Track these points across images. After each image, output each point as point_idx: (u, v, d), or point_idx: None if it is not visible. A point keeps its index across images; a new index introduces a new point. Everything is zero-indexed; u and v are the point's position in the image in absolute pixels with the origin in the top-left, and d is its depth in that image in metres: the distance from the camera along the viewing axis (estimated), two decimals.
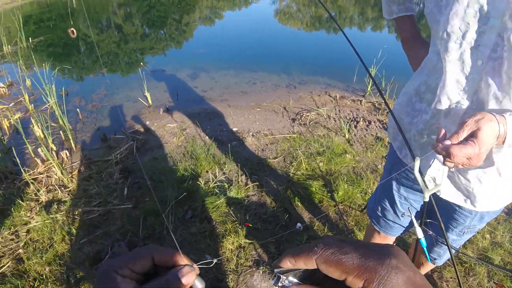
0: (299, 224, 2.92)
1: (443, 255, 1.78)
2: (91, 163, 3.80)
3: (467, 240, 2.94)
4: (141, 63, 6.86)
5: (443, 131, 1.00)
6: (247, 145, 4.02)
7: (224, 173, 3.46)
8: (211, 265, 0.55)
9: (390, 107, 1.35)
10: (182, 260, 0.49)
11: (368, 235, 2.10)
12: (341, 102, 5.18)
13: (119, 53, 8.28)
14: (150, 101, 5.10)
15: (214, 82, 5.93)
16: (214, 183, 3.25)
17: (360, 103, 5.14)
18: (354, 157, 3.83)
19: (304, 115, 4.70)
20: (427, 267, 2.08)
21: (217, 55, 7.54)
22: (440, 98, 1.20)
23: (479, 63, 1.08)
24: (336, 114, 4.76)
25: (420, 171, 1.32)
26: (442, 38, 1.14)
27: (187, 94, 5.51)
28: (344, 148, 3.95)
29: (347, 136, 4.21)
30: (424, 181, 1.11)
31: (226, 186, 3.23)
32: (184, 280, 0.47)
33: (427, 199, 1.13)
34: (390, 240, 1.97)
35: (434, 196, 1.47)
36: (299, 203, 3.15)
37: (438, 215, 1.23)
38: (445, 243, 1.60)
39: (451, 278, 2.63)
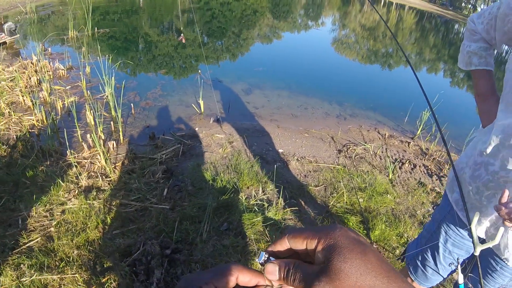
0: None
1: None
2: (135, 158, 3.92)
3: None
4: (199, 71, 7.03)
5: (506, 193, 1.01)
6: (290, 168, 4.06)
7: (264, 193, 3.50)
8: None
9: (451, 157, 1.37)
10: (264, 281, 0.51)
11: None
12: (389, 141, 5.15)
13: (175, 57, 8.52)
14: (202, 109, 5.23)
15: (267, 101, 6.03)
16: (255, 200, 3.31)
17: (408, 145, 5.10)
18: (394, 198, 3.81)
19: (350, 148, 4.70)
20: None
21: (273, 74, 7.65)
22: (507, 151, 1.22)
23: None
24: (382, 152, 4.74)
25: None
26: None
27: (239, 108, 5.62)
28: (386, 188, 3.92)
29: (390, 176, 4.19)
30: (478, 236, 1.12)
31: (266, 205, 3.27)
32: None
33: (477, 253, 1.14)
34: None
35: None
36: None
37: (480, 271, 1.24)
38: None
39: None
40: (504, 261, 1.42)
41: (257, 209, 3.22)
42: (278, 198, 3.43)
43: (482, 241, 1.43)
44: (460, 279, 1.39)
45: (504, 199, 1.01)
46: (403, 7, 60.34)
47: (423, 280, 1.85)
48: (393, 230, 3.28)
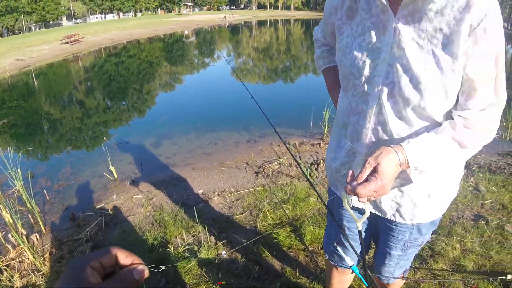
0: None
1: (394, 272, 1.84)
2: (62, 243, 3.80)
3: (437, 254, 3.07)
4: (104, 137, 6.96)
5: (350, 173, 1.15)
6: (213, 205, 4.11)
7: (193, 236, 3.52)
8: (159, 270, 0.70)
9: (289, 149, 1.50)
10: (138, 260, 0.61)
11: (327, 273, 2.20)
12: (300, 148, 5.36)
13: (83, 129, 8.39)
14: (115, 175, 5.17)
15: (177, 148, 6.08)
16: (183, 247, 3.31)
17: (319, 146, 5.34)
18: (317, 199, 3.96)
19: (266, 167, 4.84)
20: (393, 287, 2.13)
21: (178, 121, 7.75)
22: (351, 127, 1.43)
23: (375, 90, 1.30)
24: (294, 162, 4.92)
25: (349, 203, 1.48)
26: (347, 77, 1.40)
27: (152, 163, 5.61)
28: (307, 192, 4.07)
29: (310, 179, 4.35)
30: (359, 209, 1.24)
31: (196, 248, 3.29)
32: (136, 276, 0.58)
33: (360, 228, 1.25)
34: (347, 274, 2.07)
35: (371, 218, 1.63)
36: (268, 253, 3.22)
37: (362, 243, 1.36)
38: (392, 261, 1.72)
39: None
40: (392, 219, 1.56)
41: (188, 255, 3.22)
42: (207, 237, 3.46)
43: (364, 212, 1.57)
44: (349, 262, 1.52)
45: (348, 178, 1.14)
46: (288, 21, 63.07)
47: (343, 263, 1.94)
48: (323, 228, 3.41)
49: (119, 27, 44.55)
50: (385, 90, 1.28)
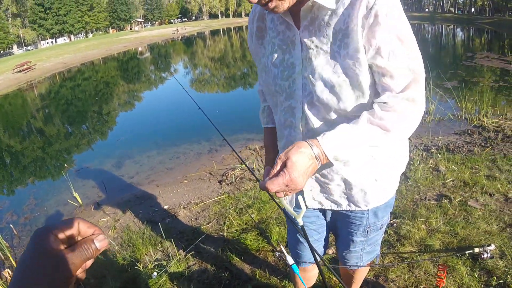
0: None
1: (361, 257, 1.87)
2: None
3: (403, 237, 3.17)
4: (66, 164, 6.86)
5: (266, 170, 1.22)
6: (180, 219, 4.14)
7: (162, 252, 3.54)
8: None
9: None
10: (99, 231, 0.65)
11: (292, 271, 2.27)
12: (262, 152, 5.44)
13: (44, 157, 8.24)
14: (80, 201, 5.12)
15: (139, 166, 6.06)
16: (153, 264, 3.32)
17: None
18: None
19: (229, 175, 4.90)
20: (359, 274, 2.17)
21: (138, 139, 7.72)
22: (284, 139, 1.52)
23: (298, 103, 1.37)
24: (259, 165, 4.99)
25: (292, 202, 1.56)
26: (274, 95, 1.47)
27: (115, 184, 5.58)
28: (271, 193, 4.13)
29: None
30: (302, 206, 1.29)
31: (165, 263, 3.31)
32: (98, 244, 0.62)
33: (301, 223, 1.30)
34: (309, 271, 2.13)
35: (330, 213, 1.73)
36: (237, 259, 3.27)
37: (306, 238, 1.42)
38: (356, 247, 1.79)
39: (396, 277, 2.82)
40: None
41: (159, 271, 3.24)
42: (177, 251, 3.48)
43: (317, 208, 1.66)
44: (290, 260, 1.59)
45: (264, 175, 1.21)
46: (241, 28, 63.24)
47: (303, 260, 2.01)
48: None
49: (71, 50, 43.80)
50: (306, 101, 1.34)
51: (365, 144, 1.19)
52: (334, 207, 1.62)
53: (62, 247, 0.59)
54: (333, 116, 1.33)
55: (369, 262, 1.95)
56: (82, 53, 39.29)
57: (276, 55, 1.38)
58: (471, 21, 53.65)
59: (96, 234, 0.64)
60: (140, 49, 42.49)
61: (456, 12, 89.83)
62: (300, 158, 1.10)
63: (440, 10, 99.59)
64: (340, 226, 1.75)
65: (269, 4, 1.16)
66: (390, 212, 1.75)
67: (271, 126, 1.78)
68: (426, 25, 51.91)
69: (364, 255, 1.87)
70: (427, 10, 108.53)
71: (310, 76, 1.29)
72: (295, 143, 1.15)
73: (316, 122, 1.37)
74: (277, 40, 1.37)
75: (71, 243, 0.62)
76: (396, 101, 1.20)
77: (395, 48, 1.17)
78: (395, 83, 1.21)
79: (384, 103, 1.21)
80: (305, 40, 1.27)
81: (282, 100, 1.43)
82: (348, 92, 1.26)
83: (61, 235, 0.60)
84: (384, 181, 1.54)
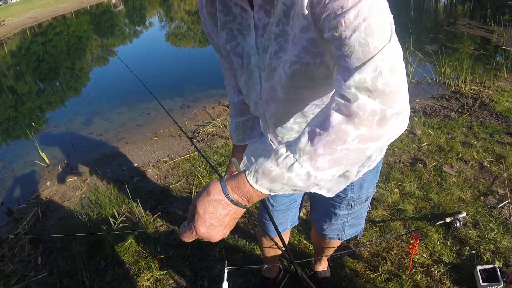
0: None
1: (343, 229, 1.77)
2: (1, 241, 3.63)
3: (375, 200, 3.13)
4: (33, 123, 6.61)
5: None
6: (149, 177, 4.02)
7: (129, 213, 3.44)
8: None
9: None
10: None
11: (259, 240, 2.21)
12: None
13: (15, 116, 7.95)
14: (47, 161, 4.94)
15: (109, 123, 5.87)
16: (117, 226, 3.23)
17: None
18: None
19: (201, 131, 4.76)
20: (335, 244, 2.07)
21: (109, 95, 7.47)
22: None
23: (258, 99, 1.21)
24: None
25: None
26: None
27: (84, 143, 5.40)
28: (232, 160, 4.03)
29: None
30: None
31: (131, 225, 3.22)
32: None
33: None
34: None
35: None
36: None
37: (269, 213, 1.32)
38: (339, 220, 1.70)
39: (367, 241, 2.79)
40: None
41: (126, 233, 3.15)
42: (144, 212, 3.38)
43: None
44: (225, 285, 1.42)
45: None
46: None
47: (269, 231, 1.91)
48: None
49: (42, 4, 41.98)
50: (264, 97, 1.17)
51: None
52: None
53: None
54: (296, 110, 1.16)
55: (352, 236, 1.86)
56: (53, 7, 37.66)
57: (235, 43, 1.15)
58: None
59: None
60: (113, 1, 40.99)
61: None
62: (210, 208, 0.89)
63: None
64: (320, 197, 1.52)
65: None
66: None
67: (241, 144, 1.59)
68: None
69: (346, 228, 1.77)
70: None
71: (267, 68, 1.07)
72: (207, 186, 0.92)
73: (278, 119, 1.20)
74: (236, 24, 1.11)
75: None
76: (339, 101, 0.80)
77: (351, 22, 0.77)
78: (348, 64, 0.80)
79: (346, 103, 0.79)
80: (261, 23, 1.02)
81: (247, 94, 1.27)
82: (309, 83, 1.04)
83: None
84: None
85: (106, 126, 5.80)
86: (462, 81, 5.33)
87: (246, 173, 0.87)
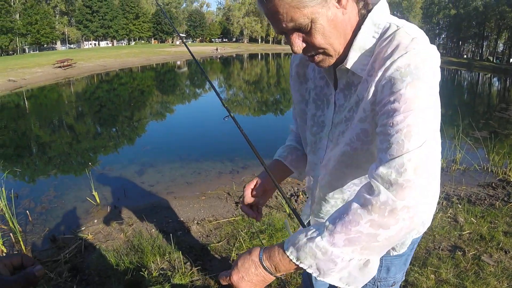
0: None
1: None
2: (41, 264, 3.81)
3: (410, 284, 3.13)
4: (90, 163, 7.02)
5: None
6: (192, 233, 4.18)
7: (168, 262, 3.58)
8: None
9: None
10: (37, 263, 0.87)
11: None
12: (285, 180, 5.45)
13: (70, 153, 8.44)
14: (98, 200, 5.23)
15: (161, 176, 6.16)
16: (157, 272, 3.37)
17: None
18: (294, 229, 4.04)
19: None
20: None
21: (164, 149, 7.85)
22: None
23: (319, 163, 1.38)
24: (276, 192, 5.02)
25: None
26: (305, 143, 1.47)
27: (134, 190, 5.68)
28: (284, 222, 4.15)
29: (287, 211, 4.45)
30: None
31: (170, 273, 3.35)
32: (36, 272, 0.83)
33: None
34: None
35: None
36: None
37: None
38: None
39: None
40: None
41: (162, 280, 3.28)
42: (182, 264, 3.52)
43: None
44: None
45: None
46: (279, 55, 63.96)
47: None
48: None
49: (112, 54, 44.94)
50: (323, 164, 1.34)
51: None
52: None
53: (8, 273, 0.82)
54: (336, 185, 1.32)
55: None
56: (122, 59, 40.26)
57: (310, 108, 1.38)
58: (509, 71, 53.00)
59: (35, 265, 0.85)
60: (178, 63, 43.33)
61: (494, 61, 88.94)
62: (246, 265, 1.05)
63: (478, 58, 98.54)
64: None
65: (315, 57, 1.12)
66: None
67: (283, 161, 1.64)
68: (463, 71, 51.60)
69: None
70: (465, 56, 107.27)
71: (334, 141, 1.27)
72: (252, 248, 1.08)
73: (322, 186, 1.37)
74: (313, 93, 1.35)
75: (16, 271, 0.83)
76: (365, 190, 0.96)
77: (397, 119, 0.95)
78: (383, 157, 0.96)
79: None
80: (338, 103, 1.25)
81: (308, 152, 1.45)
82: (362, 163, 1.22)
83: (8, 264, 0.83)
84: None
85: (158, 178, 6.09)
86: (510, 169, 5.30)
87: (282, 243, 1.03)
